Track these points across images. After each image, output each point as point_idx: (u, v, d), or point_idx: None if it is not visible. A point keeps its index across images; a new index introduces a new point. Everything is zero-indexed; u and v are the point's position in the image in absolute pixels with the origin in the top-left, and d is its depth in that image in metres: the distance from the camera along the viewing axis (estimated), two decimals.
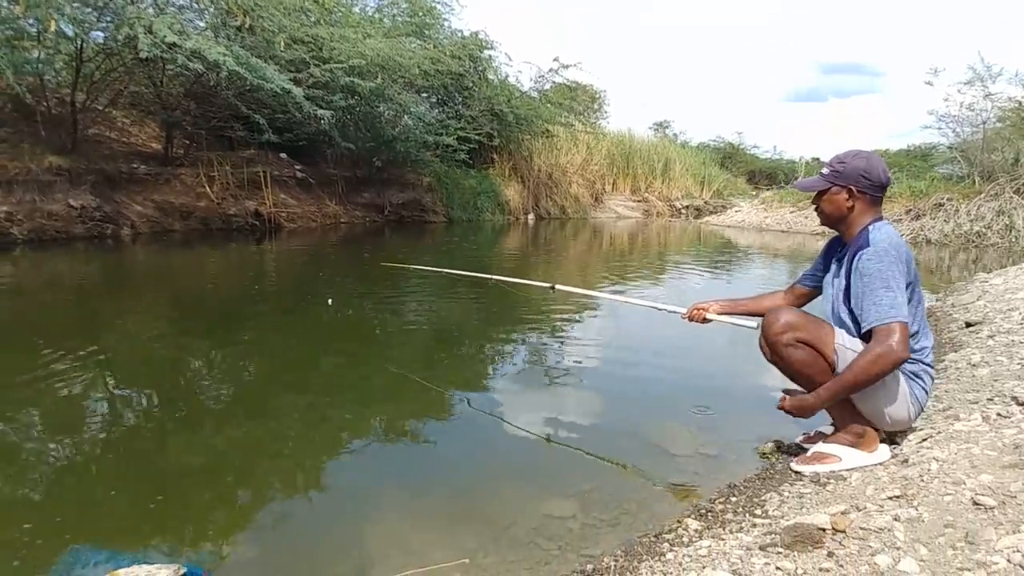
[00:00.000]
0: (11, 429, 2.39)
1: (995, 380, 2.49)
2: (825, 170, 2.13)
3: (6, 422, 2.44)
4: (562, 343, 3.98)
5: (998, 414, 2.03)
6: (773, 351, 2.05)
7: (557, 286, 3.08)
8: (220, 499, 1.99)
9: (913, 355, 1.99)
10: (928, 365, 2.05)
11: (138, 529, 1.78)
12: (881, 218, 2.09)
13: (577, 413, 2.74)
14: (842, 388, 1.94)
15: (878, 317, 1.88)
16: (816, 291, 2.37)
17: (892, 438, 2.11)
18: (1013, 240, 11.39)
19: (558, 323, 4.51)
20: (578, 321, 4.60)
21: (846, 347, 1.97)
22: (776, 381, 2.02)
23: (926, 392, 2.05)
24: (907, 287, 1.94)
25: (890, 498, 1.59)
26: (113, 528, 1.79)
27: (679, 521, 1.77)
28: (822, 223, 2.21)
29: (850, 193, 2.07)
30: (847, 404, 2.01)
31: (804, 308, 2.28)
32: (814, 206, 2.21)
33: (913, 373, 2.01)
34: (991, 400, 2.23)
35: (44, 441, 2.31)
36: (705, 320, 2.45)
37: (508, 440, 2.48)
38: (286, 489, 2.07)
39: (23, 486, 1.99)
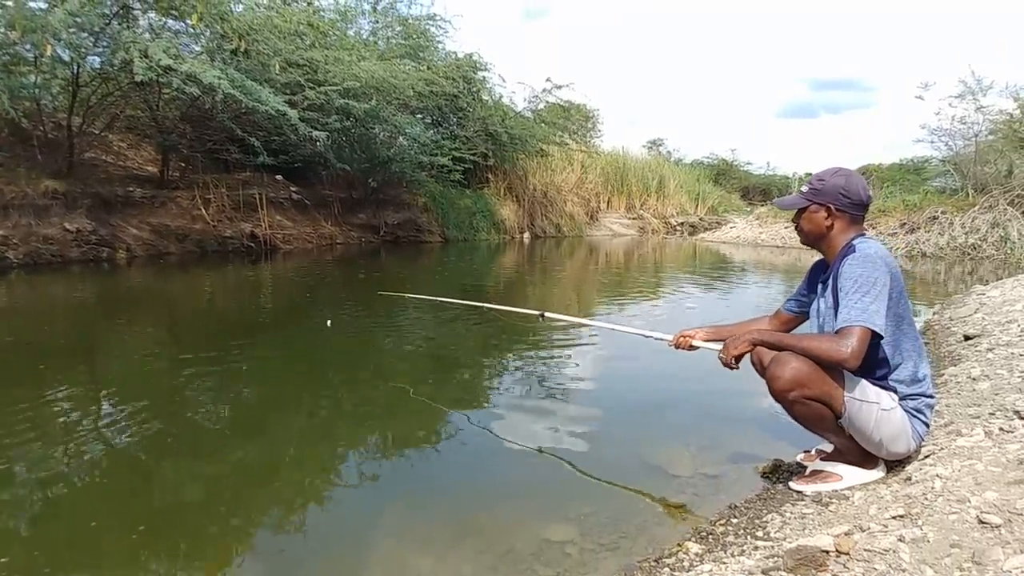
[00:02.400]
0: None
1: (996, 394, 2.46)
2: (805, 188, 2.10)
3: None
4: (559, 364, 3.95)
5: (1000, 429, 2.00)
6: (779, 403, 1.97)
7: (546, 314, 3.05)
8: (208, 527, 1.95)
9: (915, 387, 1.96)
10: (929, 396, 2.00)
11: (120, 562, 1.73)
12: (864, 234, 2.04)
13: (575, 434, 2.70)
14: (781, 345, 1.94)
15: (844, 319, 1.83)
16: (802, 317, 2.31)
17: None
18: (1008, 252, 11.42)
19: (554, 344, 4.49)
20: (574, 342, 4.57)
21: (855, 399, 1.89)
22: (772, 400, 2.00)
23: (927, 425, 2.01)
24: (889, 299, 1.87)
25: (894, 517, 1.56)
26: (95, 562, 1.74)
27: (679, 545, 1.74)
28: (802, 242, 2.17)
29: (829, 211, 2.03)
30: (847, 434, 1.97)
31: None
32: (794, 224, 2.17)
33: (915, 409, 1.96)
34: (993, 414, 2.20)
35: (29, 469, 2.27)
36: (691, 347, 2.34)
37: (505, 462, 2.44)
38: (279, 514, 2.03)
39: (2, 517, 1.94)
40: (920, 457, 1.99)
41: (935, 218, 13.02)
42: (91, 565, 1.72)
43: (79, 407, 2.95)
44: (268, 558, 1.77)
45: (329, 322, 4.89)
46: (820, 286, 2.14)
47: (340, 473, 2.36)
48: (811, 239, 2.12)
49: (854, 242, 1.99)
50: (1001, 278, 7.06)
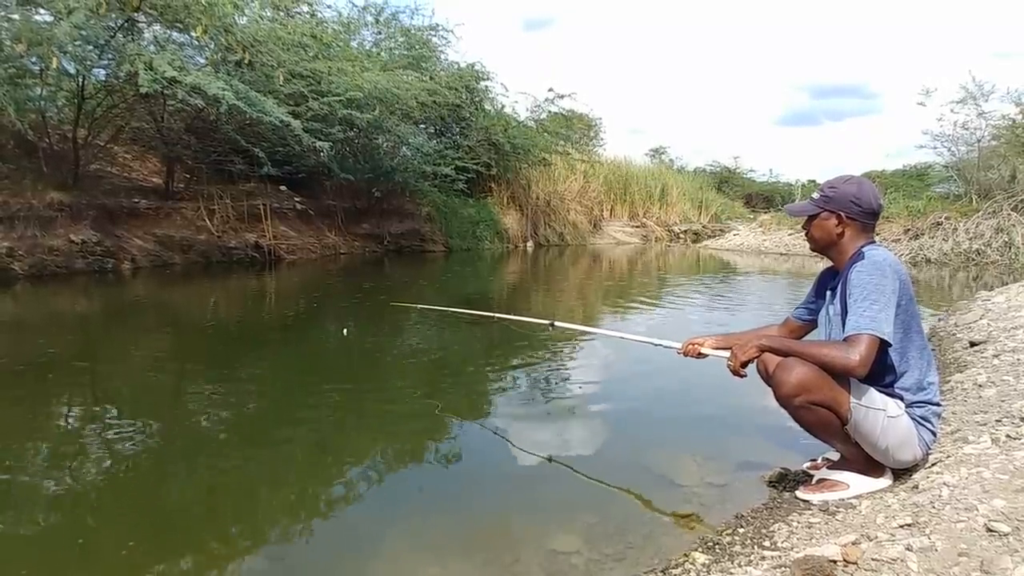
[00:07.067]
0: None
1: (1003, 400, 2.45)
2: (816, 195, 2.11)
3: None
4: (565, 372, 3.95)
5: (1007, 436, 1.99)
6: (784, 408, 1.96)
7: (556, 323, 3.06)
8: (211, 535, 1.94)
9: (921, 394, 1.96)
10: (936, 404, 2.00)
11: (121, 573, 1.73)
12: (874, 242, 2.05)
13: (581, 442, 2.70)
14: (789, 352, 1.92)
15: (852, 326, 1.84)
16: (811, 324, 2.30)
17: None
18: (1013, 257, 11.37)
19: (561, 353, 4.48)
20: (581, 351, 4.57)
21: (862, 405, 1.88)
22: (778, 408, 1.99)
23: (934, 434, 2.00)
24: (897, 307, 1.88)
25: (901, 526, 1.55)
26: (98, 572, 1.74)
27: (686, 555, 1.73)
28: (812, 249, 2.18)
29: (840, 219, 2.03)
30: (853, 441, 1.96)
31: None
32: (804, 231, 2.18)
33: (922, 417, 1.96)
34: (999, 421, 2.19)
35: (32, 478, 2.26)
36: (699, 355, 2.33)
37: (512, 471, 2.44)
38: (284, 523, 2.02)
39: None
40: (927, 465, 1.98)
41: (939, 224, 12.99)
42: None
43: (85, 418, 2.96)
44: (272, 567, 1.77)
45: (346, 331, 4.92)
46: (829, 293, 2.14)
47: (345, 481, 2.36)
48: (821, 246, 2.12)
49: (863, 249, 1.99)
50: (1006, 284, 7.03)
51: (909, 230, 13.47)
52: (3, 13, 7.03)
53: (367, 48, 13.74)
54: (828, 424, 1.91)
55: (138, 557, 1.78)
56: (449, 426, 2.91)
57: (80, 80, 8.22)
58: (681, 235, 24.19)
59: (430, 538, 1.92)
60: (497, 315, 3.76)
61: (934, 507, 1.60)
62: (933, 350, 3.83)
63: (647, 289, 9.05)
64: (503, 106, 17.06)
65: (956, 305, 5.71)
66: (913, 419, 1.94)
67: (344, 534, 1.97)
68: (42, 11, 7.29)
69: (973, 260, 11.75)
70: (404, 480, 2.37)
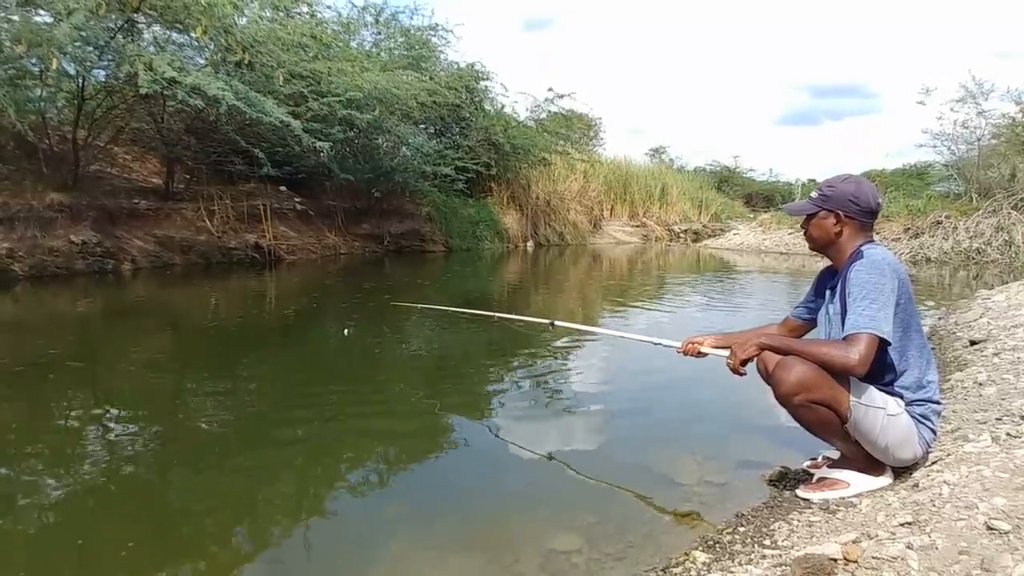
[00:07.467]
0: None
1: (1003, 399, 2.45)
2: (814, 194, 2.11)
3: None
4: (565, 372, 3.95)
5: (1008, 434, 1.99)
6: (784, 407, 1.96)
7: (556, 322, 3.06)
8: (210, 536, 1.94)
9: (921, 392, 1.96)
10: (936, 402, 2.00)
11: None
12: (872, 240, 2.05)
13: (581, 442, 2.70)
14: (789, 350, 1.93)
15: (851, 325, 1.84)
16: (810, 324, 2.30)
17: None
18: (1013, 256, 11.38)
19: (561, 352, 4.48)
20: (581, 350, 4.57)
21: (861, 403, 1.88)
22: (778, 407, 1.99)
23: (934, 432, 2.00)
24: (896, 306, 1.88)
25: (902, 525, 1.55)
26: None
27: (686, 554, 1.73)
28: (810, 248, 2.18)
29: (838, 218, 2.03)
30: (853, 440, 1.96)
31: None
32: (803, 230, 2.18)
33: (922, 415, 1.96)
34: (1000, 420, 2.19)
35: (31, 480, 2.26)
36: (700, 354, 2.33)
37: (512, 470, 2.44)
38: (284, 523, 2.02)
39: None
40: (927, 463, 1.98)
41: (939, 223, 13.00)
42: None
43: (85, 419, 2.96)
44: (272, 567, 1.77)
45: (346, 331, 4.92)
46: (828, 292, 2.15)
47: (346, 481, 2.36)
48: (819, 245, 2.13)
49: (862, 248, 1.99)
50: (1006, 282, 7.02)
51: (909, 229, 13.48)
52: (3, 14, 7.03)
53: (367, 48, 13.72)
54: (828, 423, 1.91)
55: (138, 558, 1.78)
56: (450, 426, 2.91)
57: (80, 81, 8.22)
58: (681, 235, 24.20)
59: (430, 538, 1.92)
60: (497, 315, 3.76)
61: (934, 505, 1.60)
62: (933, 349, 3.84)
63: (647, 289, 9.05)
64: (503, 106, 17.07)
65: (956, 304, 5.71)
66: (913, 417, 1.94)
67: (344, 534, 1.97)
68: (42, 12, 7.29)
69: (973, 259, 11.76)
70: (404, 480, 2.38)
